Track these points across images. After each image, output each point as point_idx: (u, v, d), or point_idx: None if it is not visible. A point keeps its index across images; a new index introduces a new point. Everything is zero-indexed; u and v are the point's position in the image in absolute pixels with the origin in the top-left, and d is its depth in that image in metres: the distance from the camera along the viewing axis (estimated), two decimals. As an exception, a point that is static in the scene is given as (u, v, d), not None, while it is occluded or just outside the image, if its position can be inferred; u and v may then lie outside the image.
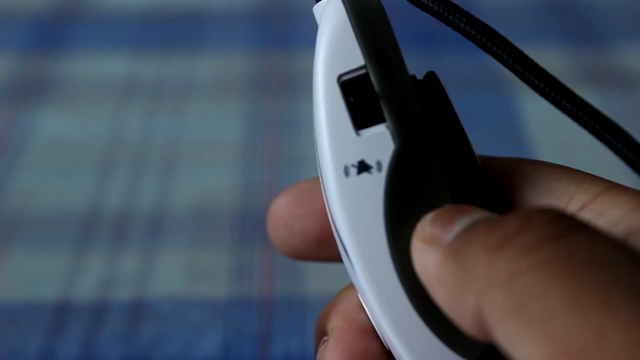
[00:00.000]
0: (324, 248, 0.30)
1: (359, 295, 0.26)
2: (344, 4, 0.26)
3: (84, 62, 0.57)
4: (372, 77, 0.25)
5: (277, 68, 0.56)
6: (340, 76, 0.25)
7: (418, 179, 0.25)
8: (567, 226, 0.21)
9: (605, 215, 0.25)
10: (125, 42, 0.59)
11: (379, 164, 0.25)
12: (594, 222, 0.24)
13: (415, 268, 0.24)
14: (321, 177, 0.26)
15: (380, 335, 0.26)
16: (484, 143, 0.50)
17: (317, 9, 0.27)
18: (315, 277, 0.42)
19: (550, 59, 0.55)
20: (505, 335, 0.21)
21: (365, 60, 0.25)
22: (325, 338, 0.28)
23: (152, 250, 0.44)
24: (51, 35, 0.60)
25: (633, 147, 0.24)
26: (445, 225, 0.23)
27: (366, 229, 0.25)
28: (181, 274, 0.42)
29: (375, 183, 0.25)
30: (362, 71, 0.25)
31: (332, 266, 0.42)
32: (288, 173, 0.48)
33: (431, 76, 0.27)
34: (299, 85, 0.55)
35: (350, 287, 0.28)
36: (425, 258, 0.23)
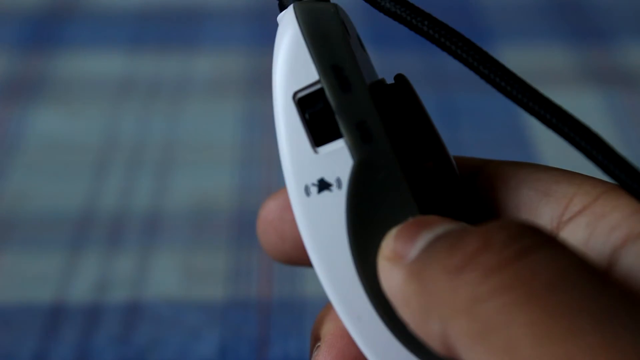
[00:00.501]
0: None
1: None
2: (296, 16, 0.25)
3: (79, 60, 0.57)
4: (327, 92, 0.25)
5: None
6: (295, 93, 0.25)
7: (380, 192, 0.25)
8: (528, 244, 0.21)
9: (606, 218, 0.24)
10: (121, 39, 0.59)
11: (338, 181, 0.25)
12: (593, 226, 0.24)
13: (383, 287, 0.24)
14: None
15: None
16: (485, 143, 0.49)
17: (279, 19, 0.26)
18: (314, 280, 0.41)
19: (555, 57, 0.55)
20: (470, 357, 0.21)
21: (319, 74, 0.25)
22: (319, 344, 0.28)
23: (148, 252, 0.43)
24: (46, 32, 0.60)
25: (603, 149, 0.24)
26: (407, 242, 0.23)
27: (331, 248, 0.25)
28: (177, 276, 0.42)
29: (337, 200, 0.25)
30: (317, 86, 0.25)
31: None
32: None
33: (400, 79, 0.26)
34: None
35: None
36: (391, 278, 0.23)
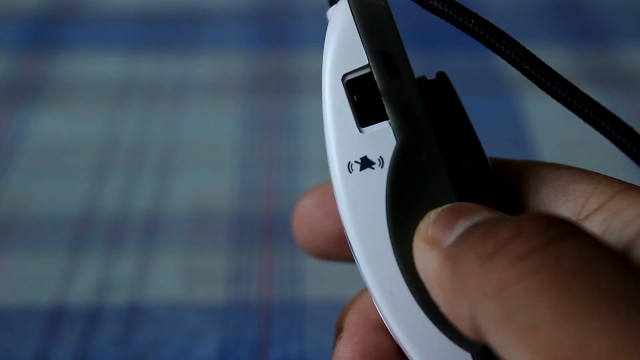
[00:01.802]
0: (346, 248, 0.30)
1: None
2: (350, 7, 0.27)
3: (80, 62, 0.57)
4: (376, 76, 0.26)
5: (275, 68, 0.56)
6: (344, 75, 0.27)
7: (420, 174, 0.26)
8: (557, 234, 0.22)
9: (621, 214, 0.25)
10: (121, 41, 0.59)
11: (381, 160, 0.26)
12: (609, 221, 0.25)
13: (417, 267, 0.25)
14: (332, 173, 0.27)
15: (390, 333, 0.26)
16: (486, 144, 0.49)
17: (329, 13, 0.28)
18: (314, 282, 0.42)
19: (555, 58, 0.55)
20: (498, 343, 0.21)
21: (368, 59, 0.26)
22: (342, 334, 0.29)
23: (148, 254, 0.43)
24: (46, 34, 0.60)
25: (638, 143, 0.24)
26: (446, 227, 0.24)
27: (369, 224, 0.26)
28: (178, 278, 0.42)
29: (378, 178, 0.26)
30: (366, 70, 0.26)
31: (331, 271, 0.42)
32: (287, 175, 0.48)
33: (441, 77, 0.28)
34: (298, 86, 0.54)
35: None
36: (426, 260, 0.24)
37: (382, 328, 0.28)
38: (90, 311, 0.40)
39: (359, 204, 0.26)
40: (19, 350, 0.39)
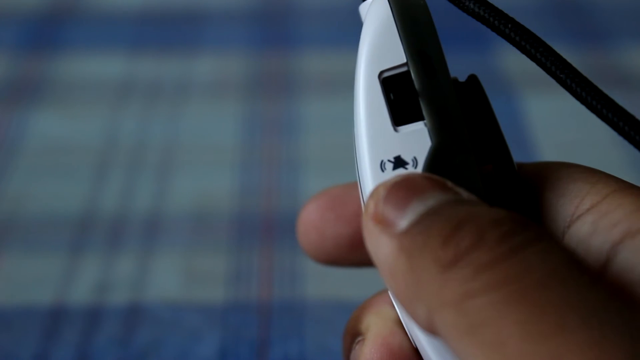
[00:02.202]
0: (357, 251, 0.30)
1: (397, 308, 0.27)
2: (389, 2, 0.26)
3: (80, 62, 0.57)
4: (413, 75, 0.26)
5: (276, 69, 0.56)
6: (381, 72, 0.26)
7: (453, 177, 0.25)
8: (521, 241, 0.21)
9: (608, 216, 0.25)
10: (121, 41, 0.59)
11: (415, 160, 0.25)
12: (597, 223, 0.25)
13: (367, 247, 0.24)
14: (358, 173, 0.26)
15: (407, 332, 0.26)
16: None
17: (362, 8, 0.27)
18: (314, 282, 0.42)
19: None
20: (460, 351, 0.21)
21: (407, 57, 0.26)
22: (360, 338, 0.28)
23: (148, 254, 0.43)
24: (46, 34, 0.60)
25: None
26: (397, 209, 0.23)
27: None
28: (178, 278, 0.42)
29: None
30: (404, 69, 0.26)
31: (332, 271, 0.42)
32: (287, 175, 0.48)
33: (473, 79, 0.27)
34: (298, 86, 0.54)
35: (381, 292, 0.29)
36: (377, 244, 0.23)
37: (402, 327, 0.27)
38: (90, 311, 0.40)
39: None
40: (19, 350, 0.39)
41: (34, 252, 0.43)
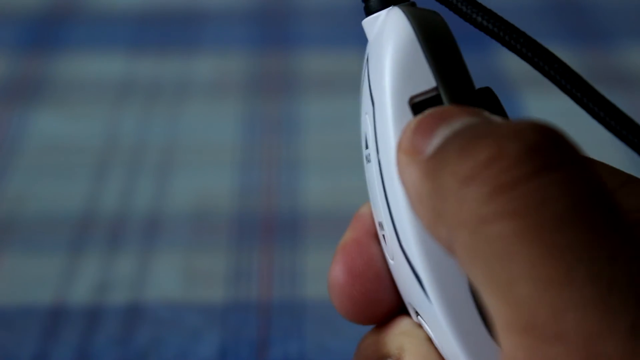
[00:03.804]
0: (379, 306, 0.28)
1: (426, 327, 0.25)
2: (408, 19, 0.25)
3: (80, 62, 0.57)
4: (444, 99, 0.24)
5: (276, 68, 0.56)
6: (411, 98, 0.24)
7: None
8: (543, 163, 0.20)
9: (622, 203, 0.23)
10: (121, 41, 0.59)
11: None
12: None
13: (401, 183, 0.23)
14: (387, 205, 0.25)
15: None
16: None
17: (367, 23, 0.26)
18: (314, 282, 0.42)
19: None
20: (472, 277, 0.21)
21: (436, 81, 0.24)
22: (394, 357, 0.26)
23: (148, 254, 0.43)
24: (46, 34, 0.60)
25: None
26: (425, 136, 0.22)
27: (444, 259, 0.23)
28: (178, 278, 0.42)
29: None
30: (434, 93, 0.24)
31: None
32: (287, 175, 0.48)
33: (487, 92, 0.26)
34: (298, 86, 0.54)
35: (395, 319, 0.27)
36: (407, 173, 0.23)
37: (434, 345, 0.26)
38: (90, 311, 0.40)
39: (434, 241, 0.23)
40: (19, 350, 0.39)
41: (35, 252, 0.43)
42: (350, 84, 0.55)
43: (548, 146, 0.20)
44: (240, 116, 0.52)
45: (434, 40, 0.25)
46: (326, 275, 0.42)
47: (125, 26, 0.60)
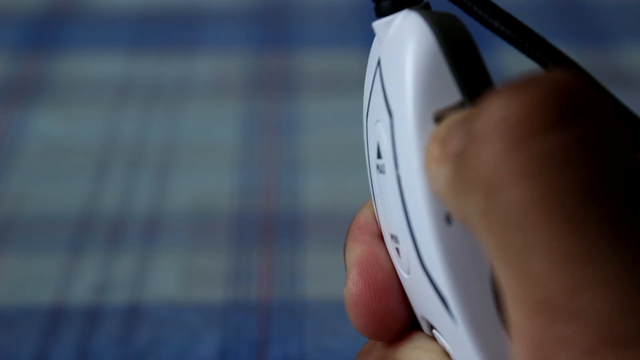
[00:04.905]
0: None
1: (443, 342, 0.24)
2: (428, 26, 0.23)
3: (79, 62, 0.57)
4: None
5: (275, 69, 0.56)
6: (436, 113, 0.23)
7: None
8: (570, 113, 0.18)
9: None
10: (121, 42, 0.59)
11: None
12: None
13: (434, 191, 0.22)
14: (406, 220, 0.23)
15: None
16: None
17: (378, 25, 0.24)
18: (314, 282, 0.42)
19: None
20: (486, 247, 0.19)
21: (461, 95, 0.23)
22: None
23: (148, 254, 0.43)
24: (46, 34, 0.60)
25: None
26: (451, 138, 0.21)
27: (471, 281, 0.22)
28: (177, 278, 0.42)
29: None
30: (459, 107, 0.23)
31: (331, 271, 0.42)
32: (286, 175, 0.48)
33: None
34: (297, 86, 0.54)
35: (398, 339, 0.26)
36: (437, 178, 0.21)
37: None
38: (90, 310, 0.40)
39: (459, 259, 0.22)
40: (19, 350, 0.39)
41: (35, 252, 0.43)
42: (350, 84, 0.55)
43: (578, 94, 0.18)
44: (240, 116, 0.52)
45: (457, 50, 0.23)
46: (326, 275, 0.42)
47: (125, 26, 0.60)
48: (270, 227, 0.45)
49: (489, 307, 0.23)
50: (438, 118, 0.23)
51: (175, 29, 0.60)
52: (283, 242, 0.44)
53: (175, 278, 0.42)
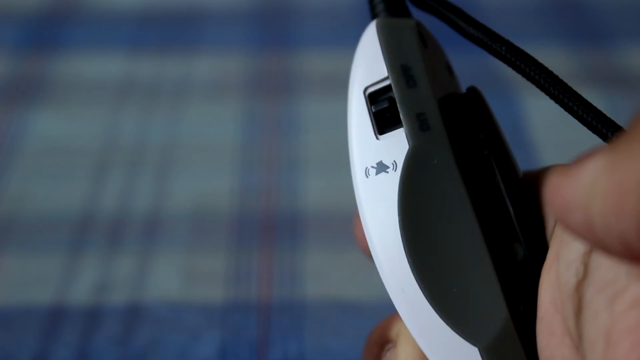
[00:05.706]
0: None
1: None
2: (376, 28, 0.29)
3: (79, 62, 0.57)
4: (393, 86, 0.27)
5: (275, 68, 0.56)
6: (366, 88, 0.28)
7: (432, 178, 0.26)
8: None
9: None
10: (121, 41, 0.59)
11: (394, 164, 0.27)
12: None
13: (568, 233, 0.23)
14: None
15: None
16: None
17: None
18: (314, 282, 0.42)
19: (554, 58, 0.55)
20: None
21: (388, 71, 0.28)
22: (390, 345, 0.29)
23: (148, 254, 0.43)
24: (46, 34, 0.60)
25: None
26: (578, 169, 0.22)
27: (383, 224, 0.27)
28: (177, 278, 0.42)
29: (391, 181, 0.27)
30: (386, 82, 0.28)
31: (331, 271, 0.42)
32: (286, 175, 0.48)
33: (472, 91, 0.29)
34: (297, 86, 0.54)
35: None
36: (575, 219, 0.22)
37: None
38: (90, 311, 0.40)
39: (374, 205, 0.27)
40: (19, 350, 0.39)
41: (34, 252, 0.43)
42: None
43: None
44: (240, 116, 0.52)
45: (392, 41, 0.29)
46: (326, 275, 0.42)
47: (125, 26, 0.60)
48: (270, 227, 0.45)
49: (398, 246, 0.26)
50: (368, 93, 0.28)
51: (175, 29, 0.60)
52: (283, 242, 0.44)
53: (175, 278, 0.42)
